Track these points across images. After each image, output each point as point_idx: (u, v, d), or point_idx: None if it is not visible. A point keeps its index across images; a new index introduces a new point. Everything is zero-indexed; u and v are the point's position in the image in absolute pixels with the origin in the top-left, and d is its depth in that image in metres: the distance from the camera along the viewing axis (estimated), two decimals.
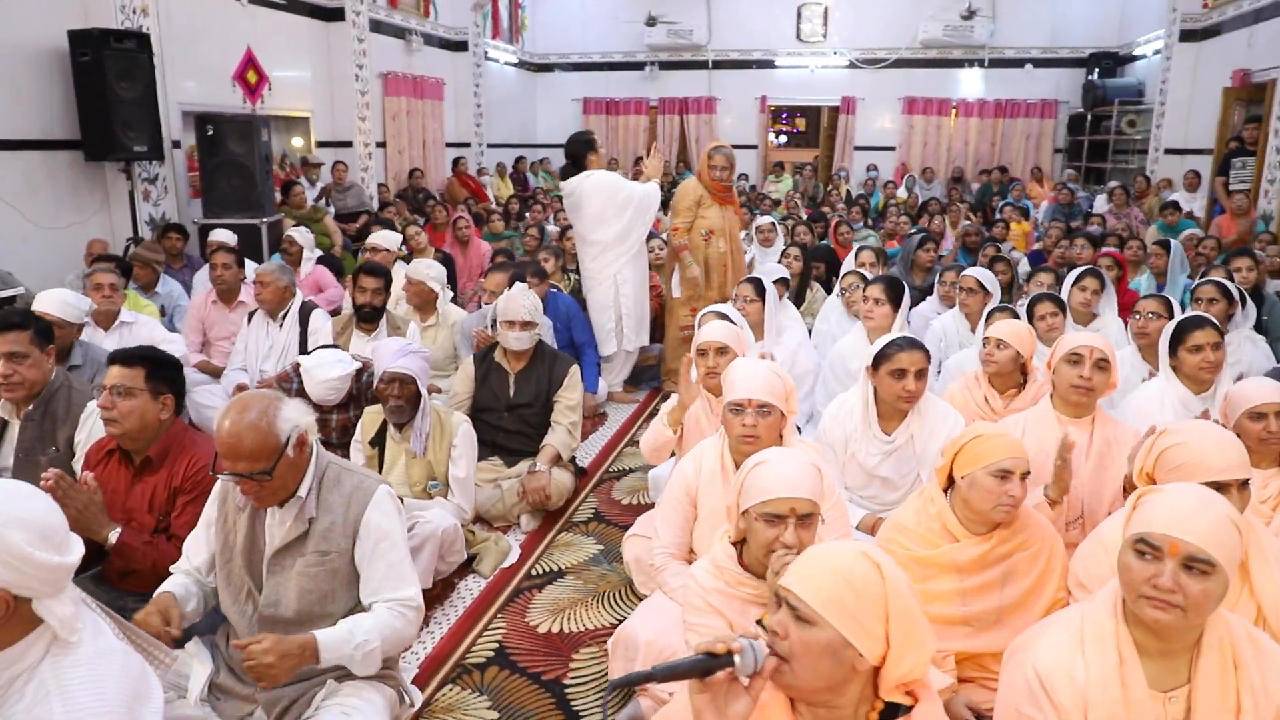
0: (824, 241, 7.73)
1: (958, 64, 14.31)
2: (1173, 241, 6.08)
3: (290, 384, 3.65)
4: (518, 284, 4.10)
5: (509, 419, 3.77)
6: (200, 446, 2.56)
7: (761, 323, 4.14)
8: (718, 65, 14.85)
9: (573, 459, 3.89)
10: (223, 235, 5.87)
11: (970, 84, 14.41)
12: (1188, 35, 10.66)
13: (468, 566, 3.22)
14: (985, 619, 2.25)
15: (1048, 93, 14.11)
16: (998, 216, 10.50)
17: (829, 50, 14.58)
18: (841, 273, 5.28)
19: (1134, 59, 12.88)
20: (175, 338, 4.46)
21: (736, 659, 1.30)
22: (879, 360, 2.97)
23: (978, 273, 4.87)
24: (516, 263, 4.99)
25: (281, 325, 4.42)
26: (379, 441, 3.19)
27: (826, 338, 4.65)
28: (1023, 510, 2.28)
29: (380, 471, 3.15)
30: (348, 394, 3.60)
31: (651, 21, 14.43)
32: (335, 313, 5.51)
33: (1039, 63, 14.08)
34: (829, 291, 5.99)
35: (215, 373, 4.61)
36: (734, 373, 2.46)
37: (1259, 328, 4.63)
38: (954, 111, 14.55)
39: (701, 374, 3.16)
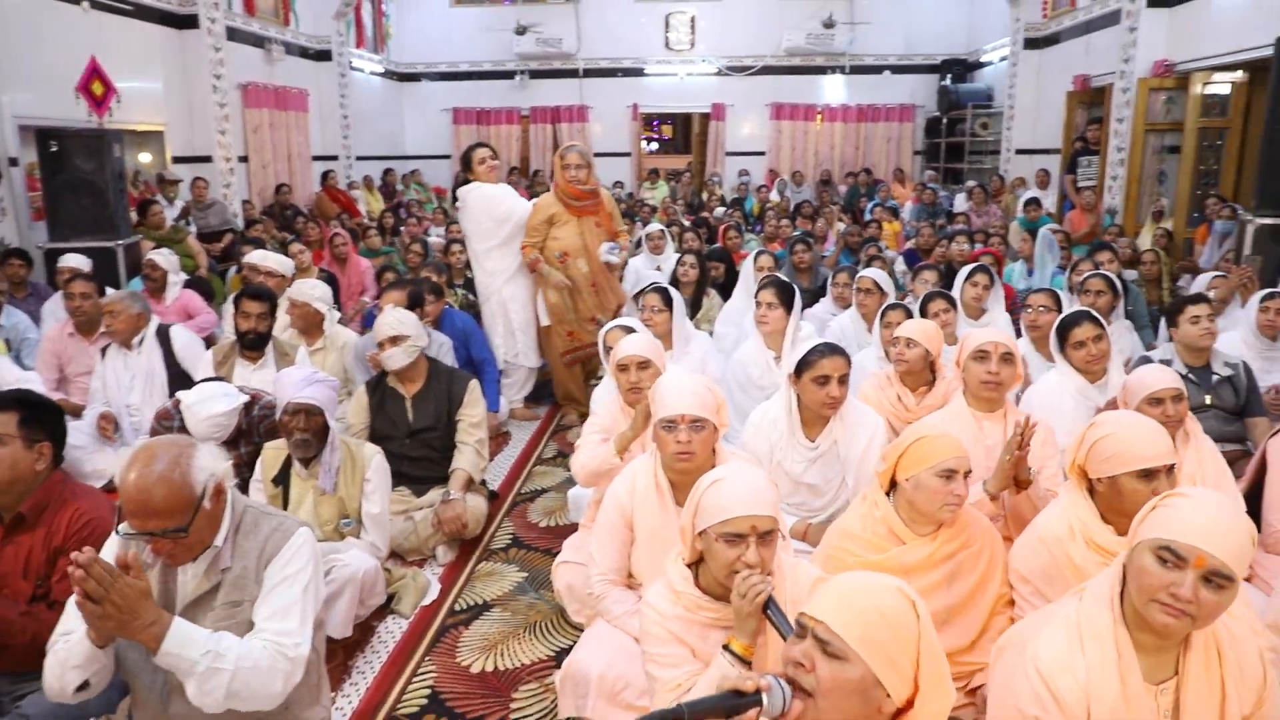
0: (715, 246, 7.77)
1: (821, 71, 14.78)
2: (1040, 230, 6.40)
3: (171, 421, 3.35)
4: (389, 304, 3.94)
5: (411, 445, 3.58)
6: (84, 498, 2.29)
7: (669, 333, 4.09)
8: (588, 74, 14.82)
9: (483, 482, 3.73)
10: (75, 261, 5.38)
11: (833, 90, 14.90)
12: (1031, 43, 11.35)
13: (386, 607, 3.02)
14: (935, 619, 2.25)
15: (905, 98, 14.75)
16: (868, 217, 10.88)
17: (697, 58, 14.79)
18: (752, 279, 5.31)
19: (982, 65, 13.62)
20: (31, 376, 4.05)
21: (765, 698, 1.23)
22: (801, 368, 2.96)
23: (874, 273, 4.99)
24: (411, 280, 4.77)
25: (140, 351, 4.09)
26: (283, 479, 2.95)
27: (740, 343, 4.64)
28: (963, 508, 2.31)
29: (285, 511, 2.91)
30: (235, 429, 3.34)
31: (521, 30, 14.27)
32: (209, 341, 5.16)
33: (896, 69, 14.70)
34: (725, 296, 6.02)
35: (75, 411, 4.21)
36: (662, 388, 2.39)
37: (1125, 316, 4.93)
38: (819, 116, 15.01)
39: (624, 390, 3.08)
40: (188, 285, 5.80)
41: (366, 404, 3.61)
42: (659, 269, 6.66)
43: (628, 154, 15.24)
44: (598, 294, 5.20)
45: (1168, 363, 3.79)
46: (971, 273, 5.04)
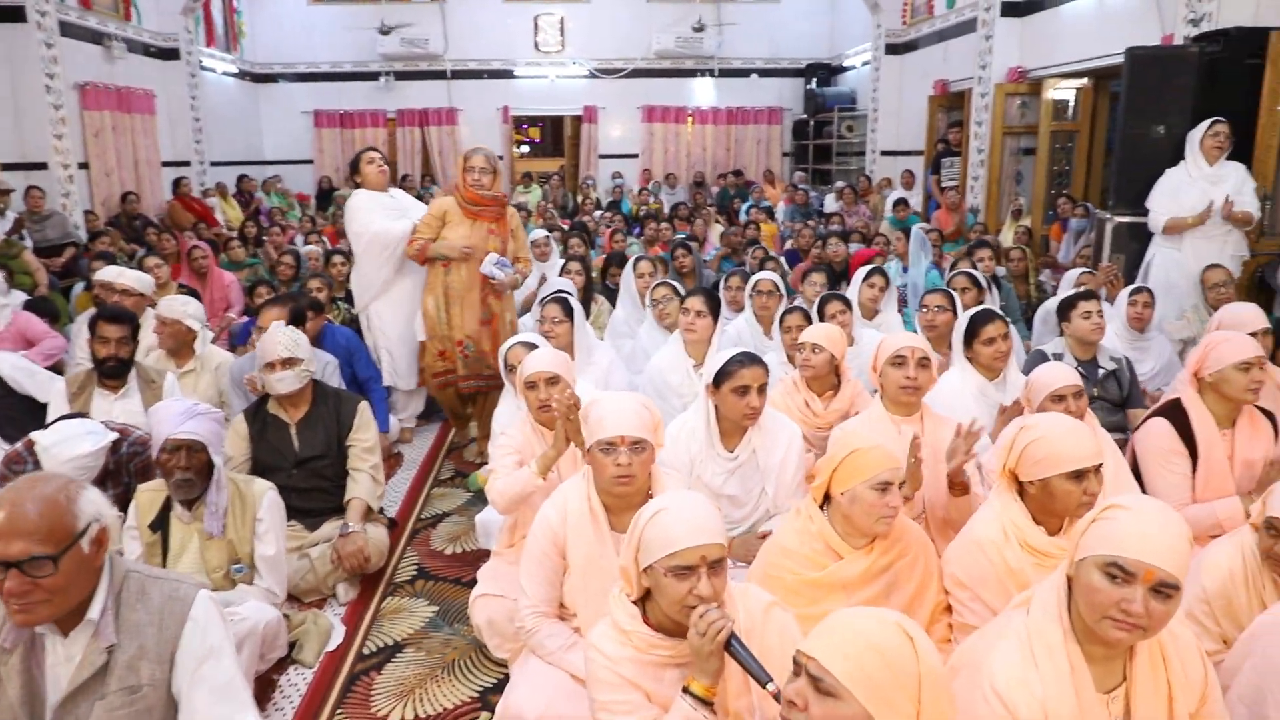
0: (615, 251, 7.67)
1: (691, 73, 14.92)
2: (913, 229, 6.60)
3: (22, 466, 2.98)
4: (275, 322, 3.65)
5: (300, 476, 3.31)
6: None
7: (570, 345, 3.96)
8: (456, 75, 14.46)
9: (381, 510, 3.50)
10: None
11: (703, 92, 15.08)
12: (892, 49, 11.78)
13: (287, 658, 2.76)
14: None
15: (773, 100, 15.08)
16: (744, 218, 11.04)
17: (567, 60, 14.67)
18: (634, 287, 5.23)
19: (845, 69, 14.07)
20: None
21: None
22: (720, 378, 2.90)
23: (772, 275, 5.00)
24: (290, 295, 4.45)
25: None
26: (160, 525, 2.65)
27: (639, 353, 4.55)
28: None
29: (165, 560, 2.61)
30: (102, 470, 3.00)
31: (385, 30, 13.76)
32: (57, 369, 4.68)
33: (763, 72, 15.00)
34: (614, 302, 5.93)
35: None
36: (599, 408, 2.27)
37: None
38: (690, 119, 15.17)
39: (534, 409, 2.94)
40: (27, 306, 5.25)
41: (246, 433, 3.31)
42: (544, 277, 6.50)
43: (500, 157, 14.91)
44: (481, 310, 4.56)
45: (1059, 357, 3.95)
46: (869, 274, 5.13)
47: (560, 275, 5.75)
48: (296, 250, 6.81)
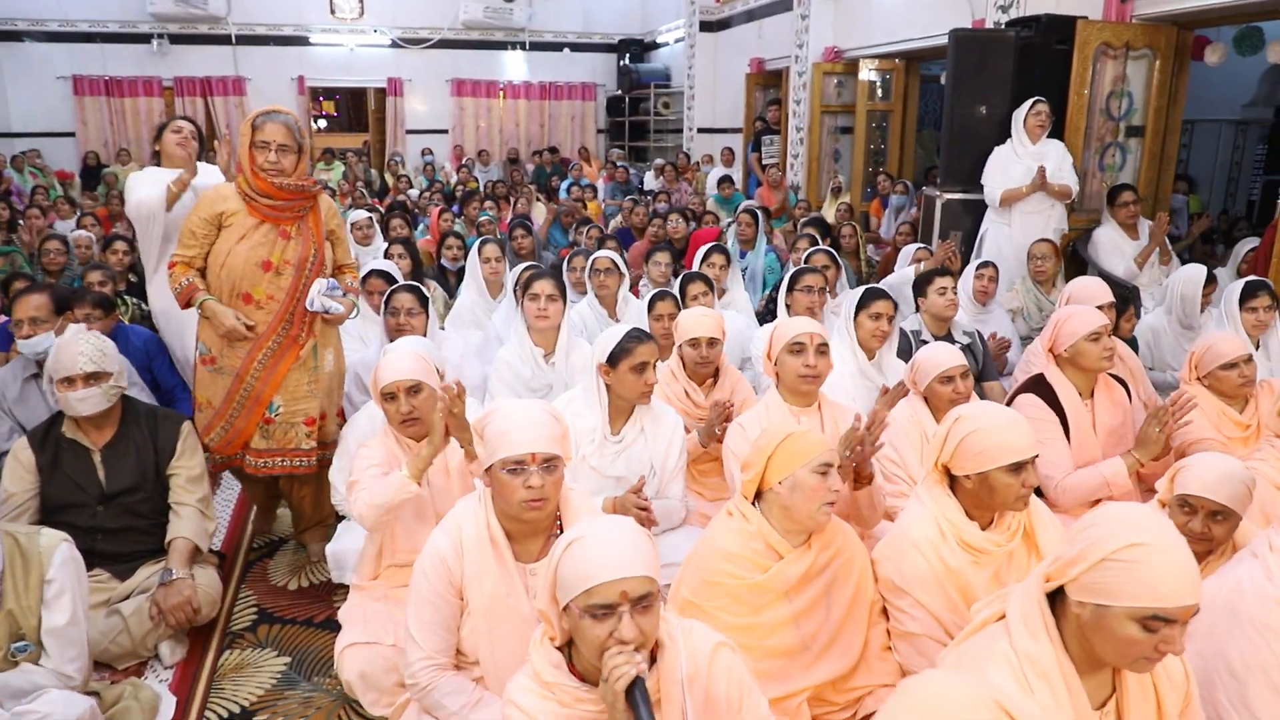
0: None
1: (501, 46, 14.40)
2: (757, 210, 6.55)
3: None
4: (71, 324, 3.01)
5: (107, 514, 2.69)
6: None
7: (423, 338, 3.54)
8: (242, 40, 13.21)
9: (212, 549, 2.94)
10: None
11: (515, 66, 14.60)
12: (706, 26, 11.80)
13: None
14: (820, 639, 2.04)
15: (587, 76, 14.83)
16: (565, 196, 10.74)
17: (367, 28, 13.75)
18: (480, 270, 4.84)
19: (659, 46, 14.02)
20: None
21: None
22: (617, 356, 2.65)
23: (610, 253, 4.75)
24: (63, 290, 3.70)
25: None
26: None
27: (493, 343, 4.16)
28: None
29: None
30: None
31: None
32: None
33: (575, 47, 14.71)
34: (451, 293, 5.49)
35: None
36: (501, 422, 1.93)
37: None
38: (502, 93, 14.67)
39: (396, 423, 2.54)
40: None
41: (33, 464, 2.65)
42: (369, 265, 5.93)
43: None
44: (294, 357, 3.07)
45: (917, 333, 3.95)
46: (708, 253, 4.99)
47: (385, 259, 5.22)
48: (63, 235, 5.85)
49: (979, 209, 5.68)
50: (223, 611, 2.87)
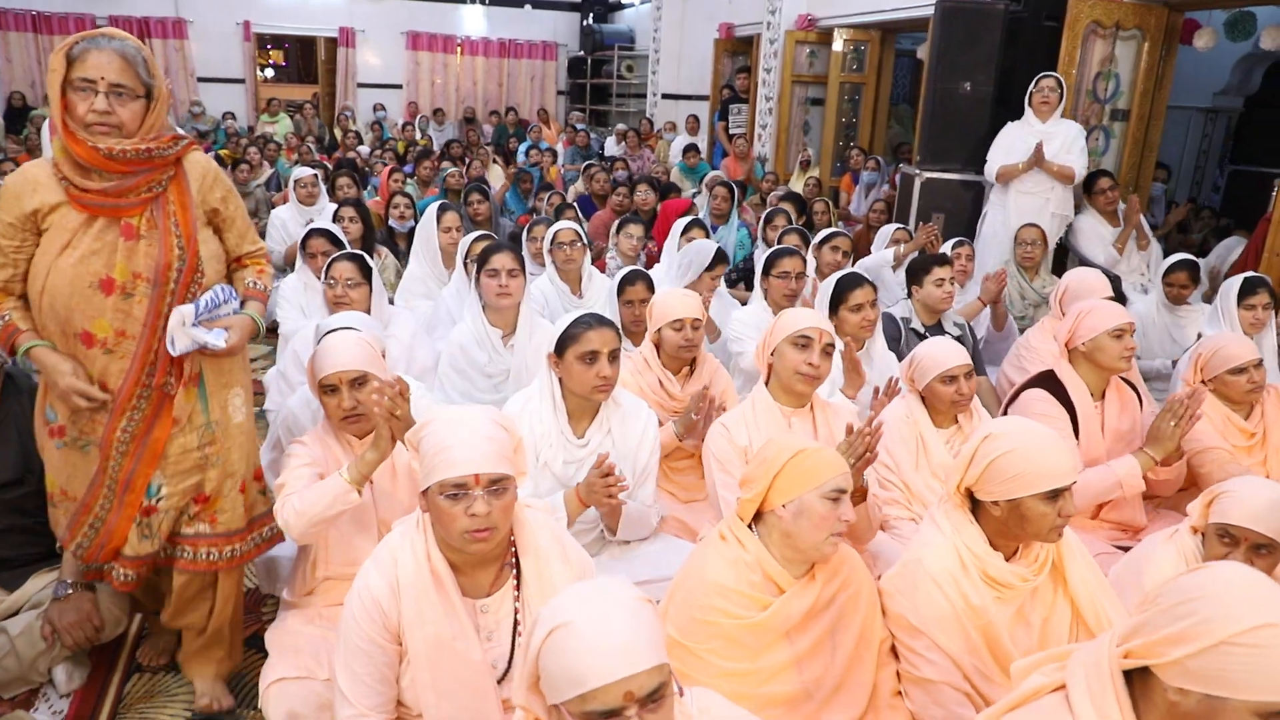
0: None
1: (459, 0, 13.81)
2: (731, 183, 6.26)
3: None
4: None
5: None
6: None
7: (368, 313, 3.19)
8: None
9: None
10: None
11: (473, 21, 14.04)
12: None
13: None
14: (824, 685, 1.78)
15: (548, 35, 14.32)
16: (523, 159, 10.31)
17: None
18: (435, 239, 4.48)
19: (624, 6, 13.55)
20: None
21: None
22: (564, 343, 2.35)
23: (573, 225, 4.42)
24: None
25: None
26: None
27: (443, 319, 3.82)
28: None
29: None
30: None
31: None
32: None
33: (537, 4, 14.18)
34: (402, 259, 5.11)
35: None
36: (441, 436, 1.61)
37: None
38: (459, 49, 14.10)
39: (336, 419, 2.21)
40: None
41: None
42: (311, 224, 5.51)
43: (240, 80, 13.15)
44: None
45: (907, 320, 3.71)
46: (688, 228, 4.69)
47: (334, 222, 4.81)
48: None
49: (959, 189, 5.47)
50: (130, 629, 2.47)
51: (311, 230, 4.01)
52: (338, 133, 12.16)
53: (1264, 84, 8.89)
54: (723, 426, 2.43)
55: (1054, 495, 1.72)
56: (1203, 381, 2.95)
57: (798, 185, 8.16)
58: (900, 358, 3.43)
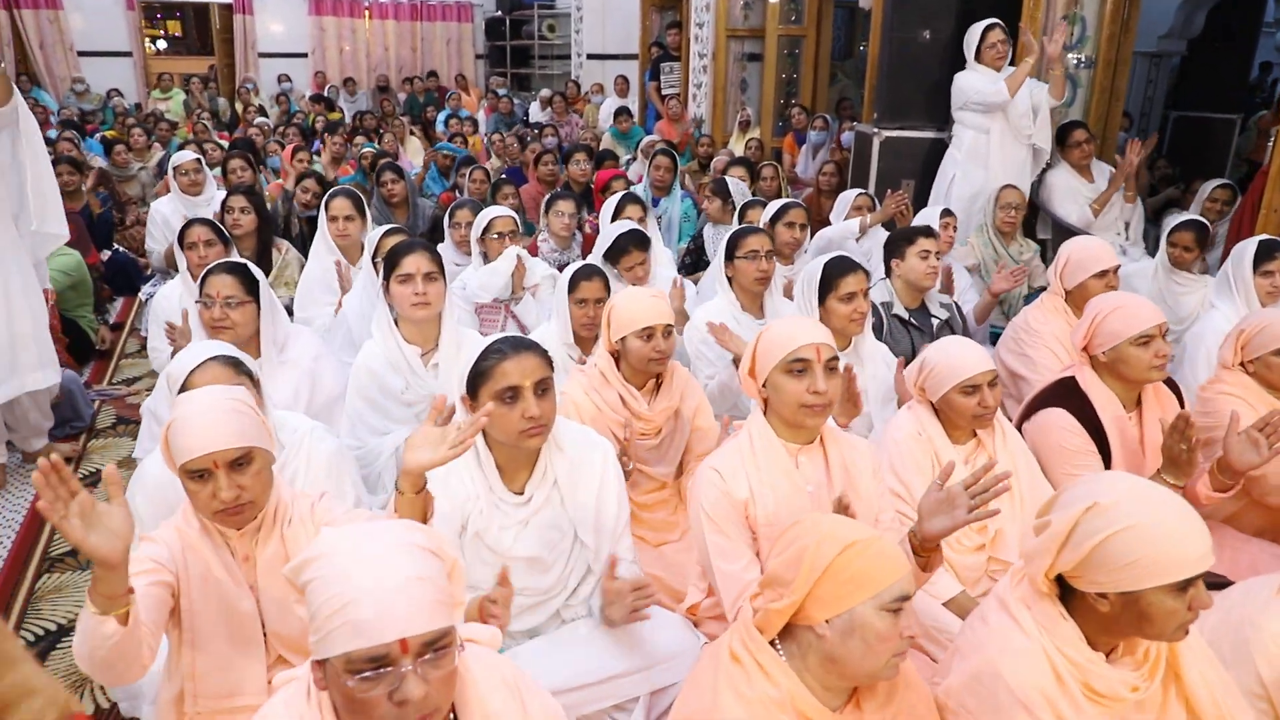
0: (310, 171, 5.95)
1: None
2: (672, 150, 5.72)
3: None
4: None
5: None
6: None
7: (256, 335, 2.59)
8: None
9: None
10: None
11: None
12: None
13: None
14: None
15: None
16: (444, 130, 9.61)
17: None
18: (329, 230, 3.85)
19: None
20: None
21: None
22: (475, 381, 1.84)
23: (508, 212, 3.87)
24: None
25: None
26: None
27: (343, 338, 3.22)
28: None
29: None
30: None
31: None
32: None
33: None
34: (303, 249, 4.45)
35: None
36: (345, 583, 1.08)
37: None
38: (367, 13, 13.19)
39: (209, 510, 1.63)
40: None
41: None
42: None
43: (128, 53, 12.07)
44: None
45: (888, 305, 3.26)
46: (622, 203, 4.16)
47: (224, 215, 4.13)
48: None
49: (923, 147, 5.03)
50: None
51: (189, 221, 3.40)
52: (239, 106, 11.23)
53: (1205, 26, 8.66)
54: (714, 473, 1.92)
55: (1184, 586, 1.27)
56: (1242, 364, 2.56)
57: (738, 147, 7.65)
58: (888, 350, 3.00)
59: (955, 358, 2.18)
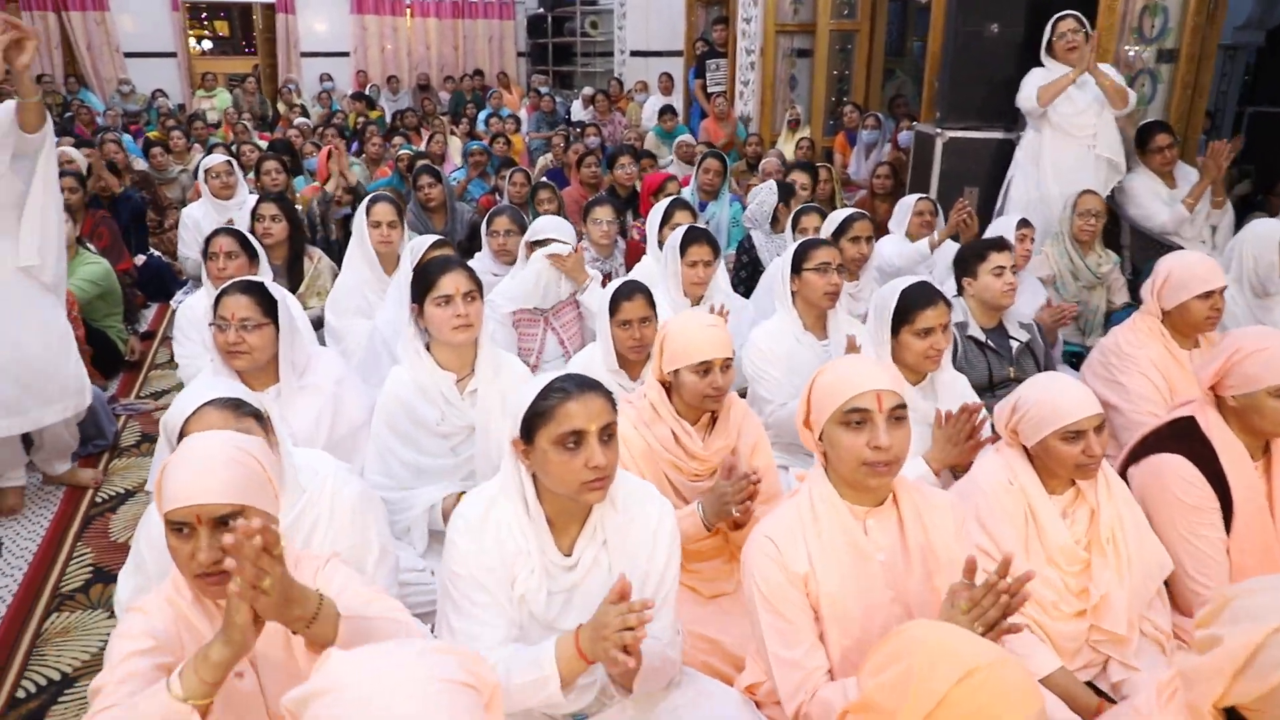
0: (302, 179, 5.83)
1: None
2: (722, 153, 5.46)
3: None
4: None
5: None
6: None
7: (274, 360, 2.39)
8: None
9: None
10: None
11: None
12: None
13: None
14: None
15: None
16: (483, 128, 9.43)
17: None
18: (368, 238, 3.66)
19: None
20: None
21: None
22: (532, 423, 1.59)
23: (560, 221, 3.65)
24: None
25: None
26: None
27: (380, 355, 3.02)
28: None
29: None
30: None
31: None
32: None
33: None
34: (336, 257, 4.27)
35: None
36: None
37: None
38: (409, 11, 13.08)
39: (190, 573, 1.42)
40: None
41: None
42: (231, 223, 4.60)
43: (172, 54, 12.10)
44: None
45: (963, 325, 2.97)
46: (671, 207, 3.92)
47: (252, 225, 3.96)
48: None
49: (990, 150, 4.71)
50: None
51: (215, 230, 3.23)
52: (281, 107, 11.18)
53: None
54: (769, 542, 1.65)
55: None
56: None
57: (787, 148, 7.35)
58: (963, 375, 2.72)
59: (1055, 398, 1.90)
